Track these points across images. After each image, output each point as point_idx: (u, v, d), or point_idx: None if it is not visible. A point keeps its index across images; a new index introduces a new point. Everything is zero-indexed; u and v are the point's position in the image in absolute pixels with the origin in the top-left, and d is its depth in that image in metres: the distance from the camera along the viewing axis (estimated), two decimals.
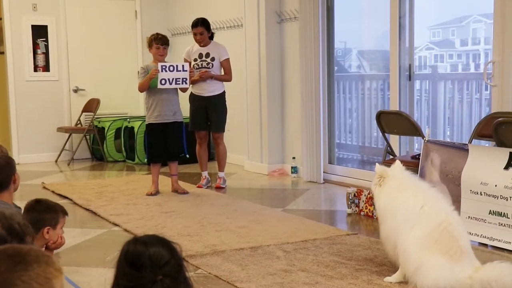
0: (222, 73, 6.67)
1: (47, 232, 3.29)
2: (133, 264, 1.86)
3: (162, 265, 1.87)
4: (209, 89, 6.62)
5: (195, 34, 6.59)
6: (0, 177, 3.51)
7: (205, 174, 6.78)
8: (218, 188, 6.70)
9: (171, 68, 6.14)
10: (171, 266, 1.88)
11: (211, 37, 6.69)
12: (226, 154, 6.83)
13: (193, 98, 6.70)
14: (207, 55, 6.59)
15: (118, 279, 1.90)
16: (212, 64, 6.56)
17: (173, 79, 6.16)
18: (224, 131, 6.80)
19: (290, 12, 7.25)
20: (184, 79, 6.21)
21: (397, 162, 3.87)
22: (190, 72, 6.25)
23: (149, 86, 6.21)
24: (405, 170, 3.80)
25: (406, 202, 3.62)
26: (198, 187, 6.70)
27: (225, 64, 6.65)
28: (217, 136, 6.74)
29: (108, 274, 3.64)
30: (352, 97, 7.34)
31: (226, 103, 6.77)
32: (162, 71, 6.09)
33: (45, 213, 3.05)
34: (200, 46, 6.62)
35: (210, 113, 6.66)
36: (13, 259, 1.55)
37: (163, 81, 6.12)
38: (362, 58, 7.74)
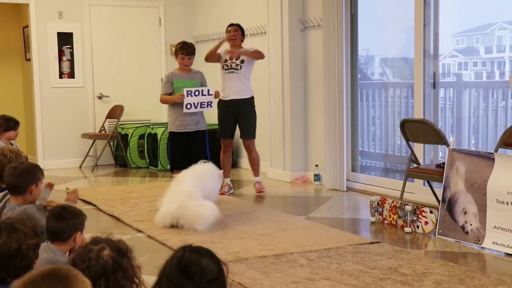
0: (248, 77, 6.60)
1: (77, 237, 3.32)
2: (184, 271, 1.85)
3: (209, 280, 1.85)
4: (239, 91, 6.54)
5: (229, 31, 6.59)
6: (15, 181, 3.58)
7: (227, 181, 6.74)
8: (260, 193, 6.64)
9: (196, 93, 6.30)
10: (217, 285, 1.87)
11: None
12: (259, 159, 6.75)
13: (221, 104, 6.64)
14: (238, 57, 6.56)
15: (161, 282, 1.88)
16: (241, 66, 6.52)
17: (198, 103, 6.32)
18: (255, 137, 6.71)
19: (314, 19, 7.25)
20: (209, 103, 6.39)
21: None
22: (215, 95, 6.45)
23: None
24: None
25: None
26: (221, 194, 6.62)
27: (259, 52, 6.60)
28: (249, 143, 6.65)
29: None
30: (375, 104, 7.31)
31: (256, 108, 6.72)
32: (187, 96, 6.19)
33: (74, 218, 3.08)
34: (231, 44, 6.60)
35: (240, 119, 6.60)
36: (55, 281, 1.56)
37: (188, 106, 6.26)
38: (385, 66, 7.71)
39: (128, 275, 2.13)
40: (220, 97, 6.62)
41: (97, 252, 2.11)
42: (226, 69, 6.54)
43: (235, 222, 5.44)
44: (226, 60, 6.57)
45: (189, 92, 6.22)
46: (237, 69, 6.53)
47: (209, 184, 5.56)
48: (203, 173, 5.59)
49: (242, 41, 6.71)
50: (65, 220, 3.05)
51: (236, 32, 6.59)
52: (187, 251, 1.90)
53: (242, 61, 6.55)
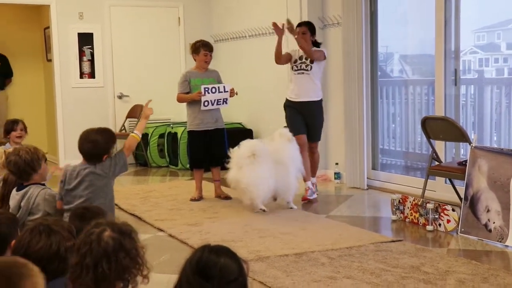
0: (319, 79, 6.34)
1: None
2: (203, 273, 1.80)
3: (229, 280, 1.81)
4: (308, 93, 6.28)
5: (297, 33, 6.23)
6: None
7: (309, 184, 6.32)
8: (306, 201, 6.23)
9: (213, 90, 6.27)
10: (238, 284, 1.83)
11: (315, 44, 6.37)
12: (318, 161, 6.59)
13: (289, 104, 6.38)
14: (308, 57, 6.28)
15: (182, 284, 1.84)
16: (311, 66, 6.23)
17: (215, 100, 6.29)
18: (319, 140, 6.51)
19: (333, 17, 7.23)
20: (225, 100, 6.34)
21: None
22: (230, 92, 6.35)
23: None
24: None
25: None
26: (304, 199, 6.24)
27: (318, 51, 6.26)
28: (313, 146, 6.43)
29: (165, 279, 3.67)
30: (395, 102, 7.27)
31: (323, 110, 6.47)
32: (205, 93, 6.20)
33: (97, 218, 3.10)
34: (299, 46, 6.26)
35: (308, 121, 6.33)
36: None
37: (206, 103, 6.24)
38: (404, 63, 7.66)
39: (131, 255, 2.11)
40: (288, 98, 6.39)
41: (98, 234, 2.11)
42: (295, 70, 6.30)
43: (255, 221, 5.45)
44: (296, 61, 6.31)
45: (206, 89, 6.22)
46: (307, 70, 6.24)
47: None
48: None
49: (315, 44, 6.36)
50: (88, 220, 3.07)
51: (304, 34, 6.23)
52: (205, 251, 1.86)
53: (312, 61, 6.25)
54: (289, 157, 5.90)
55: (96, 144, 3.82)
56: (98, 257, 2.06)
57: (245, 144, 5.80)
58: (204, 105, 6.24)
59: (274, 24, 6.24)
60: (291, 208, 5.91)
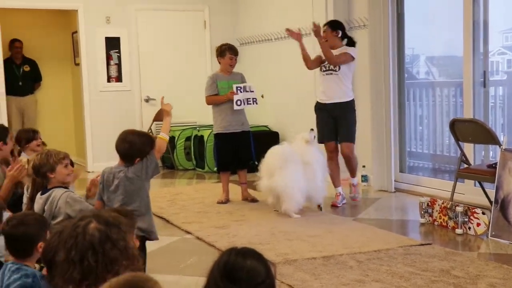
0: (348, 79, 6.12)
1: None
2: (229, 276, 1.79)
3: (257, 283, 1.79)
4: (337, 94, 6.10)
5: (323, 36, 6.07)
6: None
7: (339, 190, 6.27)
8: (335, 207, 6.14)
9: (244, 89, 6.31)
10: (266, 287, 1.80)
11: (349, 43, 6.18)
12: (357, 165, 6.31)
13: (319, 106, 6.26)
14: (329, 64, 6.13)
15: (210, 287, 1.82)
16: (339, 66, 6.05)
17: (245, 99, 6.31)
18: (353, 142, 6.18)
19: (359, 19, 7.20)
20: (254, 99, 6.36)
21: None
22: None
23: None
24: None
25: None
26: (333, 205, 6.15)
27: (343, 55, 6.07)
28: (346, 149, 6.13)
29: (193, 282, 3.67)
30: (422, 104, 7.21)
31: (355, 111, 6.23)
32: (237, 92, 6.23)
33: (128, 220, 3.12)
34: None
35: (338, 123, 6.13)
36: None
37: (238, 102, 6.26)
38: (431, 64, 7.60)
39: (118, 246, 2.02)
40: (318, 100, 6.29)
41: (83, 227, 2.03)
42: (324, 71, 6.17)
43: (282, 224, 5.44)
44: (324, 61, 6.17)
45: (239, 88, 6.26)
46: (335, 70, 6.07)
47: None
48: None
49: (349, 44, 6.16)
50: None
51: (325, 33, 6.10)
52: (232, 254, 1.84)
53: None
54: (313, 158, 5.88)
55: (132, 145, 3.85)
56: (83, 250, 1.99)
57: (274, 151, 5.80)
58: (237, 104, 6.24)
59: (288, 31, 6.22)
60: (321, 210, 5.90)
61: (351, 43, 6.22)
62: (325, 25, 6.26)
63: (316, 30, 6.03)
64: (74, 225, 2.06)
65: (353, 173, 6.32)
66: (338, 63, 6.06)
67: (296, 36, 6.15)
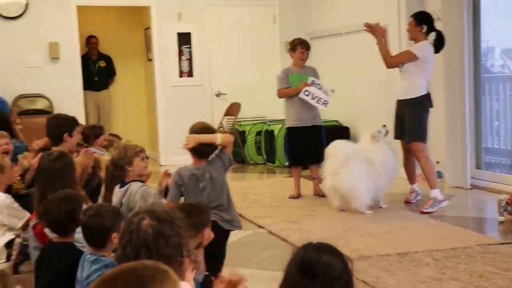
0: (415, 75, 5.77)
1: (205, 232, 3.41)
2: (306, 271, 1.79)
3: (334, 278, 1.78)
4: (402, 91, 5.86)
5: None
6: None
7: (413, 187, 6.12)
8: (408, 203, 6.05)
9: (318, 87, 6.24)
10: (343, 282, 1.79)
11: (438, 38, 5.89)
12: (430, 169, 5.81)
13: (396, 103, 6.05)
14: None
15: (286, 283, 1.83)
16: (402, 64, 5.83)
17: (315, 96, 6.25)
18: (419, 140, 5.77)
19: (433, 12, 6.98)
20: (325, 102, 6.29)
21: None
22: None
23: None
24: None
25: None
26: (406, 201, 6.08)
27: (403, 53, 5.94)
28: (413, 148, 5.83)
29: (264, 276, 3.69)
30: (499, 98, 6.98)
31: (424, 108, 5.84)
32: (311, 85, 6.22)
33: (204, 214, 3.16)
34: (409, 39, 6.03)
35: (403, 121, 5.88)
36: (130, 281, 1.48)
37: (306, 93, 6.23)
38: (506, 57, 7.35)
39: (171, 242, 2.01)
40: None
41: (137, 224, 2.04)
42: (400, 67, 5.93)
43: (354, 219, 5.40)
44: None
45: (313, 82, 6.24)
46: (401, 67, 5.84)
47: None
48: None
49: (422, 31, 5.83)
50: (194, 217, 3.13)
51: (409, 25, 5.91)
52: (309, 249, 1.84)
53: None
54: (377, 156, 5.76)
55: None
56: (138, 247, 2.00)
57: (334, 149, 5.73)
58: (305, 94, 6.21)
59: (367, 25, 5.88)
60: (380, 207, 5.81)
61: (440, 38, 5.90)
62: (411, 16, 6.01)
63: (372, 29, 5.80)
64: (128, 221, 2.08)
65: (429, 183, 5.80)
66: (394, 63, 5.84)
67: (381, 31, 5.80)
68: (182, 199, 3.96)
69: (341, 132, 8.26)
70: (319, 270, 1.78)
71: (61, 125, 4.64)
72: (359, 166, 5.64)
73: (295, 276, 1.81)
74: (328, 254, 1.83)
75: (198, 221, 3.12)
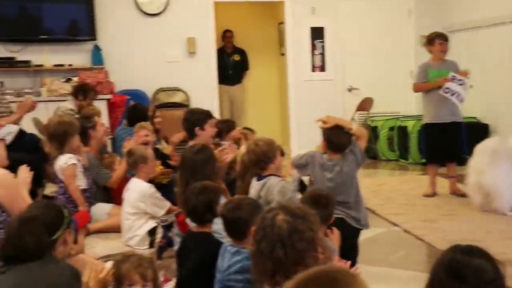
0: None
1: None
2: (455, 274, 1.75)
3: (486, 281, 1.73)
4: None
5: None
6: None
7: None
8: None
9: (459, 82, 6.00)
10: (496, 286, 1.75)
11: None
12: None
13: None
14: None
15: (434, 285, 1.80)
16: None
17: (456, 92, 6.02)
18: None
19: None
20: (462, 98, 6.04)
21: None
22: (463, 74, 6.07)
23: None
24: None
25: None
26: None
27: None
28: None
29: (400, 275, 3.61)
30: None
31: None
32: (452, 80, 5.99)
33: (329, 205, 3.16)
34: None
35: None
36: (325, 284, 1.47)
37: (446, 90, 6.00)
38: None
39: (304, 237, 2.02)
40: None
41: (271, 219, 2.06)
42: None
43: (496, 220, 5.14)
44: None
45: (453, 77, 5.99)
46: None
47: None
48: None
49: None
50: (321, 207, 3.11)
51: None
52: (457, 252, 1.80)
53: None
54: None
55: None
56: (273, 242, 2.02)
57: (483, 147, 5.49)
58: (445, 91, 6.00)
59: None
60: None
61: None
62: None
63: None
64: (262, 217, 2.12)
65: None
66: None
67: None
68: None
69: (480, 129, 7.91)
70: (469, 273, 1.74)
71: (193, 120, 4.85)
72: (507, 165, 5.35)
73: (442, 279, 1.77)
74: (478, 257, 1.78)
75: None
